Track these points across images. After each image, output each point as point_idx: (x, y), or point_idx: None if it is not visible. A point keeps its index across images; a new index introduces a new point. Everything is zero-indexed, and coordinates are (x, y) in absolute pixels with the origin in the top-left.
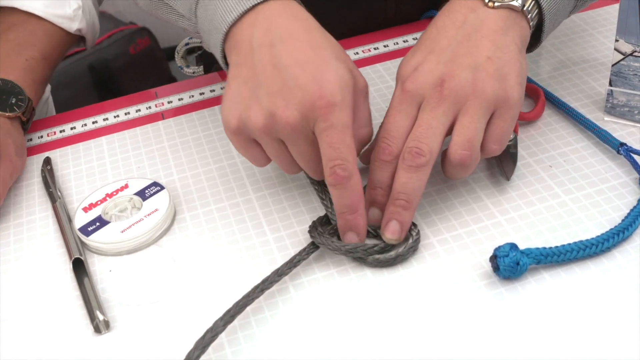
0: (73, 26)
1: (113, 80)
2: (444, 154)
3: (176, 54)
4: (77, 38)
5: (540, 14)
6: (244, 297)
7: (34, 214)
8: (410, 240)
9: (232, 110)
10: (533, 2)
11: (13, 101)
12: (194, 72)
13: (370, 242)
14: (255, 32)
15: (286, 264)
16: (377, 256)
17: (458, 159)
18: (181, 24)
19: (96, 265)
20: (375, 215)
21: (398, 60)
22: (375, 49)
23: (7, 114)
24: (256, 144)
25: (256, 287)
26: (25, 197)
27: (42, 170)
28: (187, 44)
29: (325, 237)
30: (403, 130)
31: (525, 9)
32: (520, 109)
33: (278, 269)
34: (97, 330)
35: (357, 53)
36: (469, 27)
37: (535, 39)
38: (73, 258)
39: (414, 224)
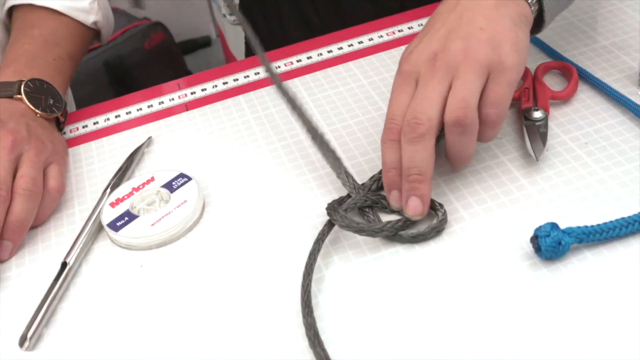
0: (90, 19)
1: (129, 76)
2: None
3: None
4: (94, 33)
5: None
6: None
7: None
8: (435, 221)
9: None
10: None
11: (51, 102)
12: (234, 20)
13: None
14: None
15: (314, 244)
16: (399, 234)
17: (454, 117)
18: None
19: (126, 261)
20: (397, 198)
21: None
22: (399, 31)
23: (48, 115)
24: None
25: (305, 273)
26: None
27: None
28: None
29: (340, 213)
30: (404, 108)
31: None
32: (517, 76)
33: (310, 253)
34: (20, 344)
35: (372, 39)
36: (461, 8)
37: (541, 19)
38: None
39: (440, 205)
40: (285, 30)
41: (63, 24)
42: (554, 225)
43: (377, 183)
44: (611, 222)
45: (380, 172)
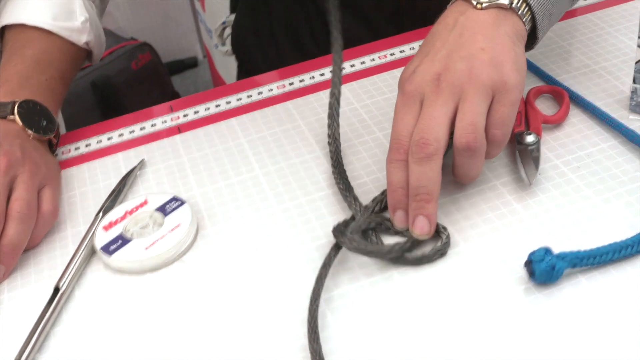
0: (82, 39)
1: (116, 96)
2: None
3: (214, 32)
4: (86, 53)
5: (531, 10)
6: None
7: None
8: (439, 243)
9: None
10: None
11: (44, 124)
12: (226, 51)
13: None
14: None
15: (321, 269)
16: (404, 255)
17: (464, 141)
18: None
19: (119, 286)
20: (402, 218)
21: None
22: (391, 54)
23: (42, 137)
24: None
25: (312, 299)
26: None
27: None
28: (223, 22)
29: (348, 236)
30: (410, 129)
31: (513, 5)
32: (519, 95)
33: (318, 278)
34: None
35: (373, 59)
36: (460, 27)
37: (534, 36)
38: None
39: (444, 227)
40: (281, 56)
41: (55, 44)
42: (547, 250)
43: (379, 205)
44: (604, 246)
45: (382, 194)
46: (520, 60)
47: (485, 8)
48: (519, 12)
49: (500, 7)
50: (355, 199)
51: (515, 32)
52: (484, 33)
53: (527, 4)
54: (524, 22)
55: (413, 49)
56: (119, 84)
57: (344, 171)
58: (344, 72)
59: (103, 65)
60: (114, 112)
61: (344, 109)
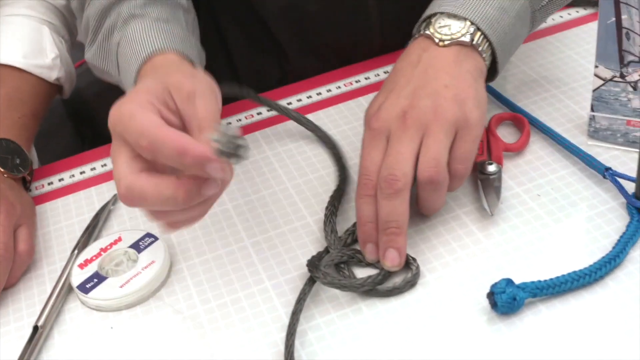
0: (52, 75)
1: (87, 108)
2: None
3: None
4: (57, 88)
5: (491, 46)
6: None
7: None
8: (410, 274)
9: None
10: (482, 36)
11: (17, 162)
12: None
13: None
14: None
15: (295, 304)
16: (376, 288)
17: (427, 176)
18: (121, 86)
19: (97, 323)
20: (372, 251)
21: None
22: (357, 81)
23: (15, 176)
24: None
25: (288, 334)
26: None
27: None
28: None
29: (322, 271)
30: (378, 164)
31: (474, 42)
32: (481, 131)
33: (293, 313)
34: None
35: (339, 87)
36: (424, 64)
37: (494, 69)
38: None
39: (413, 258)
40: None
41: (26, 82)
42: (509, 282)
43: (351, 236)
44: (563, 276)
45: (353, 226)
46: (481, 97)
47: (447, 45)
48: (480, 49)
49: (462, 44)
50: (333, 229)
51: (476, 68)
52: (447, 70)
53: (488, 41)
54: (484, 58)
55: (378, 75)
56: (90, 96)
57: (341, 196)
58: (311, 100)
59: None
60: (86, 124)
61: (310, 137)
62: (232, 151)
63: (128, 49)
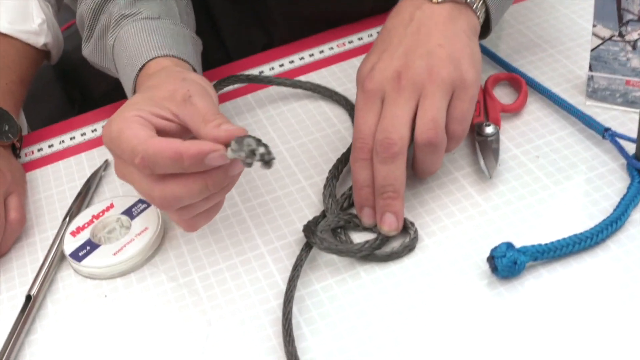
0: (40, 41)
1: (76, 71)
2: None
3: None
4: (44, 54)
5: (485, 3)
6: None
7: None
8: (407, 239)
9: None
10: None
11: (6, 128)
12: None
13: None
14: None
15: (292, 271)
16: (374, 252)
17: (425, 137)
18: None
19: (90, 292)
20: (369, 215)
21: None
22: (350, 42)
23: (4, 142)
24: None
25: (285, 301)
26: None
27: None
28: None
29: (318, 236)
30: (373, 127)
31: (468, 0)
32: (477, 90)
33: (290, 279)
34: None
35: (332, 48)
36: (416, 23)
37: (487, 27)
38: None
39: (411, 223)
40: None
41: (13, 47)
42: (509, 245)
43: (347, 200)
44: (564, 239)
45: (350, 189)
46: (476, 56)
47: (441, 3)
48: (474, 7)
49: (456, 1)
50: (332, 194)
51: (470, 26)
52: (440, 29)
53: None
54: (477, 16)
55: (371, 35)
56: (78, 59)
57: (347, 159)
58: (304, 61)
59: None
60: (75, 86)
61: (303, 100)
62: (249, 158)
63: (124, 56)
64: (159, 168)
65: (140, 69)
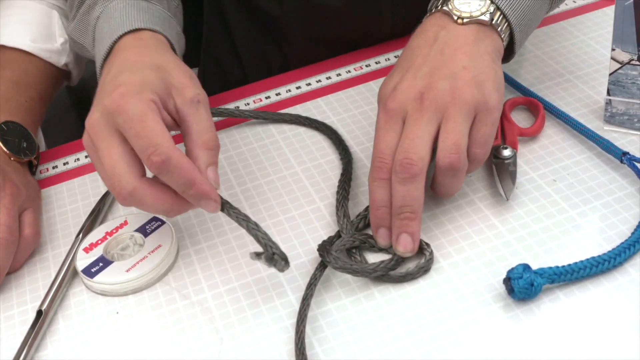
0: (61, 60)
1: (91, 98)
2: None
3: None
4: (65, 74)
5: (510, 26)
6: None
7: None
8: (423, 260)
9: None
10: (501, 16)
11: (24, 145)
12: None
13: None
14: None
15: (306, 289)
16: (389, 273)
17: (447, 162)
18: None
19: (102, 308)
20: (385, 235)
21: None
22: (367, 65)
23: (21, 159)
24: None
25: (298, 319)
26: None
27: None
28: None
29: (333, 255)
30: (393, 147)
31: (494, 22)
32: (499, 114)
33: (304, 298)
34: None
35: (349, 71)
36: (441, 43)
37: (510, 50)
38: (37, 310)
39: (427, 244)
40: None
41: (34, 65)
42: (526, 267)
43: (363, 221)
44: (581, 262)
45: (365, 210)
46: (499, 79)
47: (466, 23)
48: (499, 29)
49: (481, 23)
50: (345, 214)
51: (494, 49)
52: (465, 50)
53: (507, 21)
54: (502, 39)
55: (388, 60)
56: (95, 86)
57: (350, 179)
58: (321, 84)
59: None
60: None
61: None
62: (269, 261)
63: (105, 26)
64: (167, 177)
65: (120, 37)
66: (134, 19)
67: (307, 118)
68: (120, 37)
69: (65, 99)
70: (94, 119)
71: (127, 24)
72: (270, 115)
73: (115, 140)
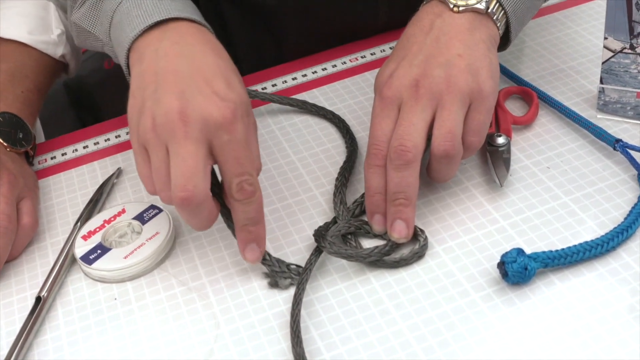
0: (58, 52)
1: (89, 97)
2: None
3: None
4: (62, 66)
5: (506, 15)
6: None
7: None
8: (417, 246)
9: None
10: (497, 4)
11: (20, 136)
12: None
13: (373, 245)
14: (162, 44)
15: (302, 274)
16: (383, 258)
17: (442, 149)
18: (106, 50)
19: (100, 295)
20: (380, 222)
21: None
22: (362, 57)
23: (18, 150)
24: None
25: (294, 303)
26: None
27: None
28: None
29: (328, 240)
30: (389, 134)
31: (489, 10)
32: (494, 101)
33: (299, 283)
34: None
35: (345, 62)
36: (436, 31)
37: (506, 38)
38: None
39: (421, 230)
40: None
41: (31, 57)
42: (519, 251)
43: (359, 207)
44: (575, 246)
45: (362, 196)
46: (494, 67)
47: (462, 12)
48: (494, 18)
49: (477, 11)
50: (342, 201)
51: (490, 37)
52: (460, 38)
53: (503, 9)
54: (497, 27)
55: (384, 51)
56: (92, 84)
57: (352, 167)
58: (317, 75)
59: None
60: (89, 112)
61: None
62: (276, 278)
63: (133, 13)
64: (244, 205)
65: (152, 26)
66: (167, 7)
67: (314, 105)
68: (163, 21)
69: (63, 97)
70: (188, 114)
71: (163, 12)
72: (279, 99)
73: (203, 149)
